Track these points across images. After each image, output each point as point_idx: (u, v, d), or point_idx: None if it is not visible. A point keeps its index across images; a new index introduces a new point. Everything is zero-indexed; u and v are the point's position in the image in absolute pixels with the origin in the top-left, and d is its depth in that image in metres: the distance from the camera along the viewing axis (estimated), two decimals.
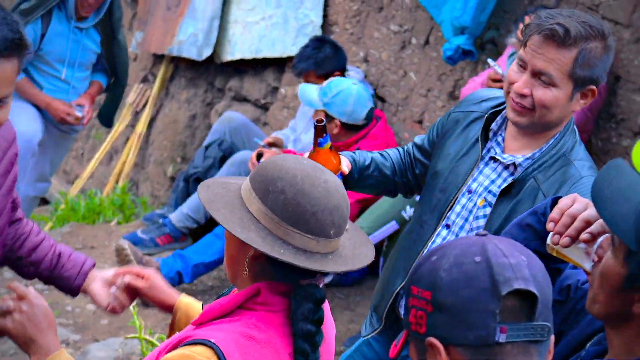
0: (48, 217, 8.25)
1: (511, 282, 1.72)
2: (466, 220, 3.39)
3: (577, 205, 2.47)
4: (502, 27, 5.98)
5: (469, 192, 3.37)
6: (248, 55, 7.99)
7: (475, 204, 3.36)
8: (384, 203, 5.31)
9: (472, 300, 1.75)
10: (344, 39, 7.15)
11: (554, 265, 2.56)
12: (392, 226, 5.29)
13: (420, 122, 6.48)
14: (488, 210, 3.32)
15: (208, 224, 6.38)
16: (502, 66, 5.21)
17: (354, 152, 3.53)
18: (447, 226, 3.41)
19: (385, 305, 3.65)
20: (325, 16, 7.33)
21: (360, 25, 7.08)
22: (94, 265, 3.23)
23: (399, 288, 3.55)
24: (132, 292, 2.96)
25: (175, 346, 2.44)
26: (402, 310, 3.56)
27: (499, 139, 3.43)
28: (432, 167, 3.60)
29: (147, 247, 6.36)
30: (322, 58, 6.02)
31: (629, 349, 2.19)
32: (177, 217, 6.47)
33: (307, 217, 2.39)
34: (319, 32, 7.27)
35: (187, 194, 6.78)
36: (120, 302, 2.95)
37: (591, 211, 2.42)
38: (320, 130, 3.25)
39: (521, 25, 4.87)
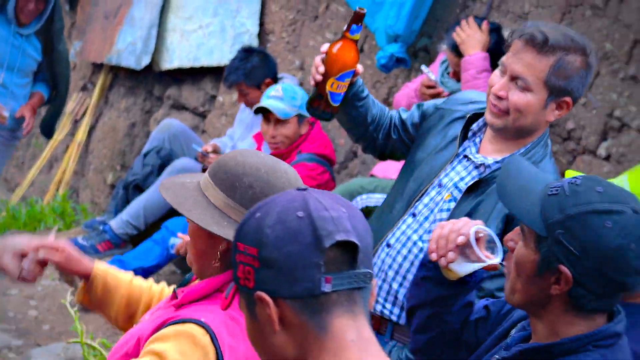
0: None
1: (333, 235, 1.72)
2: (431, 211, 3.40)
3: (446, 227, 2.56)
4: (434, 35, 6.03)
5: (440, 185, 3.39)
6: (186, 64, 7.99)
7: (442, 198, 3.38)
8: (336, 191, 5.31)
9: (297, 255, 1.74)
10: (280, 47, 7.17)
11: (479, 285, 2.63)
12: None
13: None
14: (452, 204, 3.35)
15: (147, 231, 6.37)
16: (435, 73, 5.25)
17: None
18: (414, 215, 3.42)
19: None
20: (261, 25, 7.35)
21: (296, 34, 7.10)
22: None
23: None
24: (43, 262, 2.90)
25: (160, 326, 2.45)
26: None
27: (477, 139, 3.46)
28: (410, 155, 3.66)
29: (88, 253, 6.25)
30: (250, 68, 6.03)
31: (552, 331, 2.28)
32: (117, 224, 6.45)
33: None
34: (255, 41, 7.30)
35: (126, 201, 6.74)
36: (32, 272, 2.87)
37: (455, 221, 2.56)
38: (359, 18, 3.22)
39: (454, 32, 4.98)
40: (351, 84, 3.37)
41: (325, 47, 3.33)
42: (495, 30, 5.01)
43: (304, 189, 1.84)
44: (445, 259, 2.53)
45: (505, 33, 5.09)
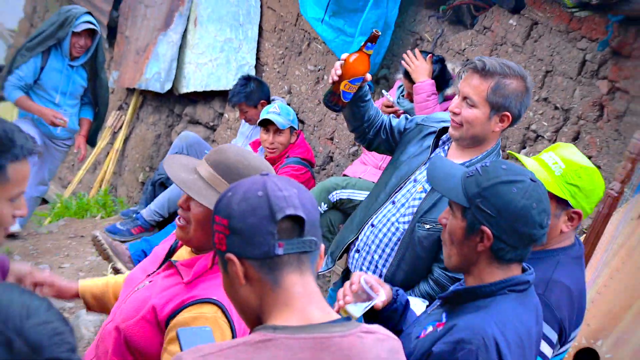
0: (47, 213, 8.15)
1: (284, 210, 1.77)
2: (407, 200, 3.43)
3: (345, 285, 2.57)
4: (392, 67, 6.04)
5: (415, 181, 3.42)
6: (199, 89, 7.96)
7: (416, 189, 3.41)
8: (315, 188, 5.25)
9: (256, 226, 1.78)
10: (272, 75, 7.16)
11: None
12: (321, 207, 5.28)
13: (331, 139, 6.46)
14: (423, 195, 3.37)
15: (170, 217, 6.36)
16: (393, 95, 5.23)
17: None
18: (393, 202, 3.47)
19: (339, 253, 3.79)
20: (258, 58, 7.34)
21: (284, 65, 7.09)
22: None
23: (349, 241, 3.68)
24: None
25: (179, 306, 2.42)
26: (351, 263, 3.71)
27: (446, 147, 3.47)
28: (393, 158, 3.68)
29: (124, 235, 6.28)
30: (249, 92, 6.02)
31: (479, 280, 2.35)
32: (147, 212, 6.38)
33: None
34: (253, 71, 7.28)
35: (154, 195, 6.68)
36: None
37: (351, 279, 2.58)
38: (374, 38, 3.25)
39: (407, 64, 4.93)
40: (359, 88, 3.38)
41: (344, 55, 3.33)
42: (439, 61, 4.95)
43: (266, 174, 1.87)
44: (339, 304, 2.53)
45: (448, 64, 5.11)
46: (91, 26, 6.03)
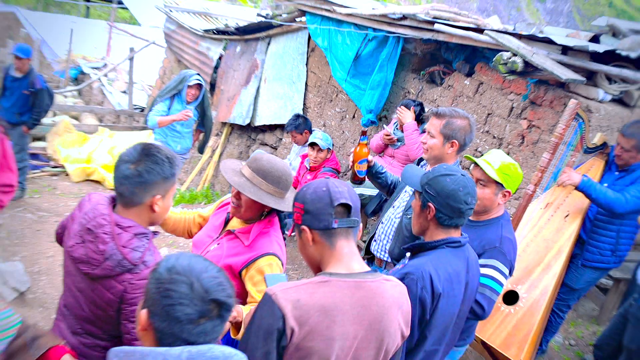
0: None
1: (339, 200, 1.80)
2: (400, 203, 3.29)
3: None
4: (390, 109, 6.00)
5: (405, 190, 3.29)
6: (267, 122, 7.93)
7: (406, 195, 3.28)
8: None
9: (321, 209, 1.81)
10: (313, 114, 7.14)
11: None
12: None
13: (350, 155, 6.44)
14: (408, 197, 3.25)
15: None
16: (390, 128, 5.13)
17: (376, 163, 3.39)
18: (393, 206, 3.32)
19: (365, 245, 3.53)
20: (304, 104, 7.32)
21: (320, 108, 7.05)
22: None
23: (373, 234, 3.41)
24: None
25: (249, 260, 2.35)
26: (373, 248, 3.39)
27: (424, 169, 3.29)
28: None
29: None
30: (298, 124, 5.89)
31: (430, 239, 2.32)
32: None
33: (287, 183, 2.46)
34: (301, 111, 7.24)
35: None
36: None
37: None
38: (364, 133, 3.16)
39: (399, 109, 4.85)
40: (371, 166, 3.29)
41: (352, 149, 3.28)
42: (419, 105, 4.91)
43: (327, 178, 1.87)
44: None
45: (426, 108, 5.10)
46: (199, 82, 6.08)
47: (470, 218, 2.77)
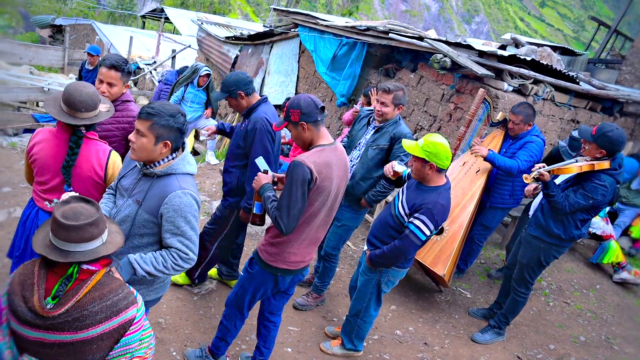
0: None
1: (319, 104, 2.02)
2: (360, 142, 3.07)
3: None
4: (357, 94, 5.87)
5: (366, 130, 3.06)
6: (274, 103, 7.77)
7: (367, 131, 3.04)
8: None
9: (312, 110, 2.02)
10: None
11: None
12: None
13: (328, 127, 6.36)
14: (369, 135, 3.04)
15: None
16: (358, 107, 4.92)
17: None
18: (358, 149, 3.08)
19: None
20: (296, 90, 7.08)
21: (307, 93, 6.88)
22: None
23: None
24: None
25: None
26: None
27: (371, 126, 3.08)
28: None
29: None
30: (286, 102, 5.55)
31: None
32: None
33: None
34: (293, 95, 7.01)
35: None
36: None
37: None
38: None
39: (372, 91, 4.37)
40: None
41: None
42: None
43: (307, 94, 2.05)
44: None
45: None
46: (208, 72, 5.77)
47: (420, 184, 2.54)
